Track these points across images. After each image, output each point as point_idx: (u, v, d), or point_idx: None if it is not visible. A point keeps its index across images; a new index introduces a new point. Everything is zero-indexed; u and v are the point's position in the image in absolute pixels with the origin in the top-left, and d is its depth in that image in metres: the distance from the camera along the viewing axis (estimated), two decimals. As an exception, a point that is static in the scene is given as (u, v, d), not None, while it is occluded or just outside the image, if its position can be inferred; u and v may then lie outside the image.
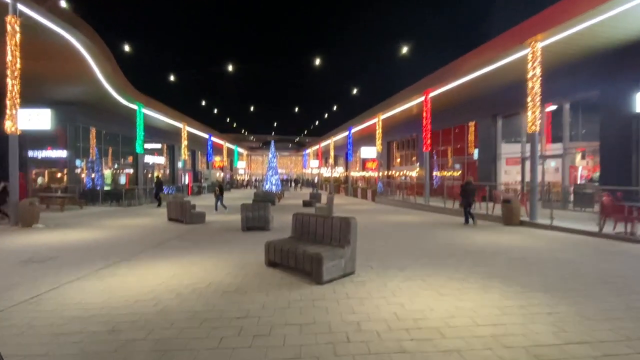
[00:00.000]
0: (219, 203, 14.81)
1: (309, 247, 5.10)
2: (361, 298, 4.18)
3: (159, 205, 17.45)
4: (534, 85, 10.28)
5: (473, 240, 8.13)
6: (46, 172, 20.40)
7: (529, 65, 10.35)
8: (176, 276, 5.27)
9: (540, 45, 10.26)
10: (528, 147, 16.01)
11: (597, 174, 15.26)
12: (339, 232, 5.27)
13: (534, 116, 10.30)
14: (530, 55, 10.32)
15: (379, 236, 8.80)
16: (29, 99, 16.41)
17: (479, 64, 12.91)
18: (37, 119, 13.08)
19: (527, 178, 15.92)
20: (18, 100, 10.81)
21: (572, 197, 13.60)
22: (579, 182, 15.41)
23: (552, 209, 9.83)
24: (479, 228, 10.11)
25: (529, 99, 10.41)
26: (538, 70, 10.27)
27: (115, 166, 24.39)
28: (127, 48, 15.99)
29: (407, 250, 7.04)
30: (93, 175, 21.11)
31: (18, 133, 10.86)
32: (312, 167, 52.15)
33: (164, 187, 18.27)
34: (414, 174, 26.70)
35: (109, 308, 3.98)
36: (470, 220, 10.62)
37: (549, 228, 9.56)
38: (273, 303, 4.06)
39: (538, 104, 10.30)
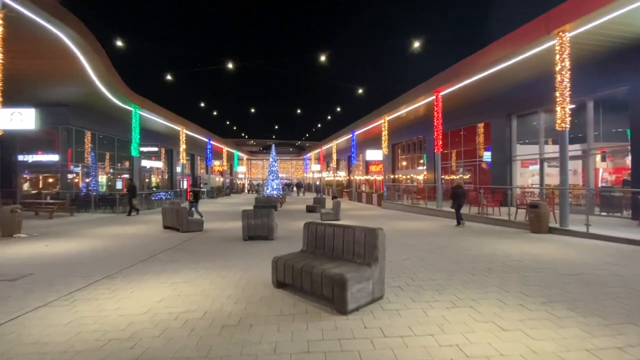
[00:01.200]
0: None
1: (328, 266, 4.16)
2: (402, 336, 3.22)
3: (130, 213, 15.66)
4: (563, 79, 9.38)
5: (505, 251, 7.18)
6: (40, 177, 19.50)
7: (557, 57, 9.45)
8: (165, 301, 4.32)
9: (569, 35, 9.39)
10: (546, 147, 15.18)
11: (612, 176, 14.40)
12: (363, 246, 4.33)
13: (563, 112, 9.38)
14: (559, 46, 9.44)
15: (398, 246, 7.84)
16: (16, 99, 15.51)
17: (497, 58, 12.02)
18: (20, 119, 12.14)
19: (546, 181, 15.07)
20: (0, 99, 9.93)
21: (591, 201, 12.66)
22: (599, 184, 14.47)
23: (587, 214, 8.88)
24: (506, 236, 9.16)
25: (557, 93, 9.51)
26: (567, 62, 9.37)
27: (111, 171, 23.46)
28: (121, 45, 15.11)
29: (436, 264, 6.09)
30: (88, 180, 20.16)
31: (-1, 134, 9.98)
32: (314, 171, 51.20)
33: (137, 192, 16.39)
34: (420, 177, 25.79)
35: (72, 352, 3.02)
36: (462, 222, 11.42)
37: (584, 236, 8.60)
38: (287, 344, 3.10)
39: (568, 99, 9.40)
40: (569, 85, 9.43)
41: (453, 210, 11.64)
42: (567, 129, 9.42)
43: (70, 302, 4.34)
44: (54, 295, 4.62)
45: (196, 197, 13.83)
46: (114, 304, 4.24)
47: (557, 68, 9.47)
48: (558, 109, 9.47)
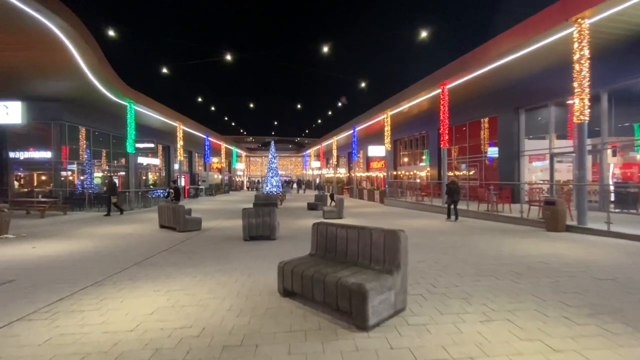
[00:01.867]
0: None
1: (343, 273, 3.65)
2: (437, 360, 2.73)
3: (109, 213, 14.39)
4: (582, 68, 8.87)
5: (525, 251, 6.70)
6: (34, 174, 18.88)
7: (576, 45, 8.93)
8: (158, 313, 3.81)
9: (588, 22, 8.87)
10: (557, 142, 14.69)
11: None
12: (382, 250, 3.82)
13: (582, 104, 8.88)
14: (577, 33, 8.92)
15: (410, 247, 7.32)
16: (3, 93, 14.86)
17: (508, 49, 11.47)
18: (6, 113, 11.51)
19: (555, 177, 14.59)
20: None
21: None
22: (611, 180, 14.03)
23: (608, 212, 8.41)
24: (521, 235, 8.69)
25: (575, 84, 9.00)
26: (586, 51, 8.86)
27: (107, 168, 22.85)
28: (114, 36, 14.49)
29: (455, 267, 5.59)
30: (82, 178, 19.57)
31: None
32: (313, 168, 50.64)
33: (117, 190, 15.32)
34: (423, 174, 25.30)
35: (42, 383, 2.52)
36: (453, 217, 11.64)
37: (606, 234, 8.12)
38: (302, 371, 2.60)
39: (587, 90, 8.89)
40: (588, 75, 8.91)
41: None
42: (586, 121, 8.93)
43: (51, 315, 3.83)
44: (33, 306, 4.11)
45: (177, 195, 13.55)
46: (100, 318, 3.72)
47: (576, 57, 8.95)
48: (576, 100, 8.96)
